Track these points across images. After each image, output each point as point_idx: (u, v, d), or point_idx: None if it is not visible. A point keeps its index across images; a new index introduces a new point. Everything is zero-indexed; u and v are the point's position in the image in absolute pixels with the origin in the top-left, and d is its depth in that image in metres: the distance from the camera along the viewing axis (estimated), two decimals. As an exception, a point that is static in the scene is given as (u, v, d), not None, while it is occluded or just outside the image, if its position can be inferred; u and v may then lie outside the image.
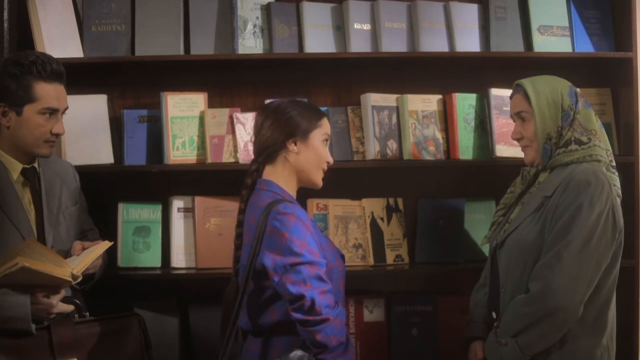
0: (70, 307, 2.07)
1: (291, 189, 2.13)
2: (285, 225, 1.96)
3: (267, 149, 2.10)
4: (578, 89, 2.26)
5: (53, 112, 2.13)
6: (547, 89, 2.19)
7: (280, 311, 2.00)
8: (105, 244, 2.15)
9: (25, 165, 2.18)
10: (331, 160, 2.19)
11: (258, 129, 2.13)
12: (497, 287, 2.19)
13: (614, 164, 2.21)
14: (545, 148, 2.18)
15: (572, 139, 2.16)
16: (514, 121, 2.28)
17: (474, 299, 2.38)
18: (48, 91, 2.11)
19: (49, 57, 2.15)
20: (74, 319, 2.09)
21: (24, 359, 1.98)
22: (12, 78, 2.09)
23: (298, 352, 1.94)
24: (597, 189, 2.05)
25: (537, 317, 2.01)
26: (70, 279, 1.97)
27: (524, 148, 2.26)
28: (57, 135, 2.17)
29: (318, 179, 2.16)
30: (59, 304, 2.02)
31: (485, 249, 2.63)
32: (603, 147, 2.19)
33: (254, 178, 2.11)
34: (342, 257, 2.16)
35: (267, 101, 2.79)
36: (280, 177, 2.11)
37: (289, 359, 1.93)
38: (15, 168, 2.16)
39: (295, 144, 2.10)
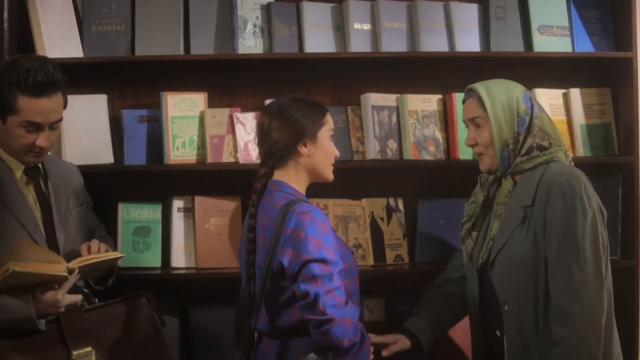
0: (78, 297, 2.08)
1: (302, 188, 2.13)
2: (301, 224, 1.95)
3: (277, 154, 2.08)
4: (530, 93, 2.22)
5: (36, 126, 2.09)
6: (502, 94, 2.15)
7: (301, 311, 1.99)
8: (116, 254, 2.18)
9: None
10: (338, 153, 2.20)
11: (265, 132, 2.09)
12: (495, 305, 2.15)
13: (572, 163, 2.19)
14: (503, 155, 2.15)
15: (534, 145, 2.12)
16: (467, 127, 2.25)
17: (431, 292, 2.42)
18: (30, 105, 2.05)
19: (39, 68, 2.06)
20: (83, 307, 2.09)
21: (38, 355, 1.99)
22: (1, 86, 2.06)
23: (313, 356, 1.93)
24: (582, 190, 2.02)
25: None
26: (65, 274, 1.98)
27: (479, 155, 2.22)
28: (43, 148, 2.13)
29: (330, 174, 2.17)
30: (65, 297, 2.02)
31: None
32: (563, 148, 2.16)
33: (264, 182, 2.09)
34: (353, 253, 2.18)
35: (267, 101, 2.79)
36: (292, 178, 2.10)
37: None
38: (18, 167, 2.17)
39: (306, 146, 2.09)
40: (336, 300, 1.92)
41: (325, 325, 1.90)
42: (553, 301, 2.01)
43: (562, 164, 2.11)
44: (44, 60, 2.13)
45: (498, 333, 2.15)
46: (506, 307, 2.11)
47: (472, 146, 2.23)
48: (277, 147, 2.07)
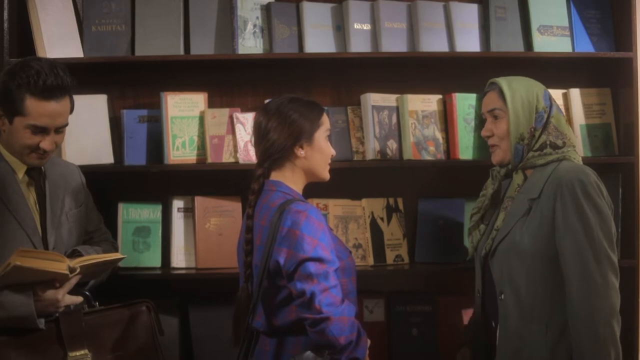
0: (78, 299, 2.08)
1: (299, 188, 2.14)
2: (297, 223, 1.96)
3: (274, 155, 2.08)
4: (549, 92, 2.25)
5: (42, 129, 2.09)
6: (522, 89, 2.19)
7: (297, 310, 1.99)
8: (117, 255, 2.18)
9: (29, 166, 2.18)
10: (334, 152, 2.20)
11: (262, 133, 2.10)
12: (493, 296, 2.18)
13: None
14: (517, 148, 2.18)
15: (548, 142, 2.16)
16: (485, 118, 2.28)
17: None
18: (38, 109, 2.06)
19: (49, 71, 2.07)
20: (83, 310, 2.10)
21: (34, 354, 2.00)
22: (10, 86, 2.06)
23: (310, 354, 1.93)
24: (590, 186, 2.05)
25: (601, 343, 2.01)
26: (67, 272, 1.98)
27: (492, 147, 2.25)
28: (46, 151, 2.13)
29: (326, 174, 2.17)
30: (66, 297, 2.03)
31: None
32: (577, 154, 2.19)
33: (261, 182, 2.10)
34: (350, 253, 2.18)
35: (267, 101, 2.79)
36: (289, 178, 2.11)
37: (301, 359, 1.94)
38: (20, 168, 2.17)
39: (302, 148, 2.09)
40: (332, 299, 1.93)
41: (322, 324, 1.91)
42: (573, 297, 2.03)
43: (573, 163, 2.14)
44: (55, 63, 2.12)
45: (493, 324, 2.18)
46: (502, 297, 2.13)
47: (487, 137, 2.26)
48: (274, 149, 2.07)
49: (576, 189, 2.04)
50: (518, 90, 2.19)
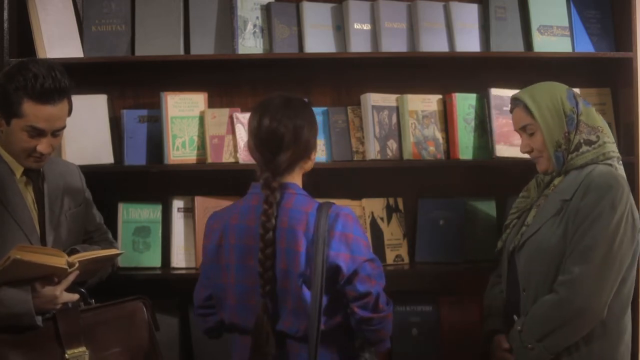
0: (75, 296, 2.08)
1: None
2: (348, 226, 1.95)
3: (301, 159, 2.01)
4: (575, 90, 2.26)
5: (39, 132, 2.08)
6: (546, 98, 2.19)
7: (342, 313, 1.97)
8: (115, 251, 2.19)
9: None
10: None
11: (290, 138, 1.95)
12: (516, 290, 2.19)
13: (620, 160, 2.22)
14: (557, 156, 2.18)
15: (582, 141, 2.16)
16: (520, 134, 2.27)
17: (489, 297, 2.40)
18: (35, 111, 2.05)
19: (46, 74, 2.05)
20: (79, 307, 2.10)
21: (32, 352, 2.00)
22: (7, 89, 2.06)
23: (367, 355, 1.99)
24: (617, 192, 2.06)
25: (564, 320, 2.04)
26: (66, 267, 1.99)
27: (535, 159, 2.25)
28: (44, 154, 2.12)
29: None
30: (63, 294, 2.03)
31: (488, 250, 2.63)
32: (612, 141, 2.20)
33: (282, 193, 1.98)
34: None
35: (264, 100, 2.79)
36: (298, 181, 2.05)
37: None
38: (18, 168, 2.17)
39: (315, 149, 2.07)
40: (386, 297, 1.98)
41: (384, 322, 1.95)
42: (565, 280, 2.06)
43: (608, 168, 2.14)
44: (52, 65, 2.11)
45: (515, 318, 2.19)
46: (525, 292, 2.16)
47: (527, 152, 2.27)
48: (304, 153, 2.00)
49: (600, 191, 2.06)
50: (543, 101, 2.18)
